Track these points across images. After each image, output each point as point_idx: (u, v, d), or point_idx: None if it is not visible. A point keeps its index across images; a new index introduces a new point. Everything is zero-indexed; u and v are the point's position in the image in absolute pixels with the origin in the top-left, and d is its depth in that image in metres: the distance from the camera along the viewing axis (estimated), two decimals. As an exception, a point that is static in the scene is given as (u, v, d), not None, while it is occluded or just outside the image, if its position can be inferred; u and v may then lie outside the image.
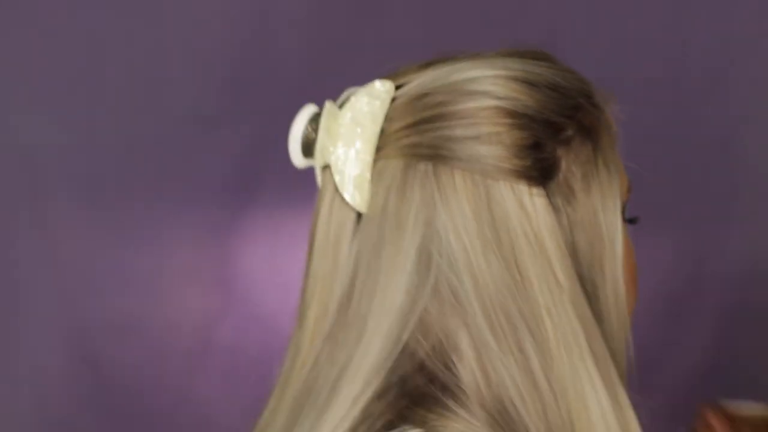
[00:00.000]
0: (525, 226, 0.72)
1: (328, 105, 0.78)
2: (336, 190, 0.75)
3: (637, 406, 0.78)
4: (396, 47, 2.19)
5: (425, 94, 0.75)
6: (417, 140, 0.73)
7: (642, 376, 2.14)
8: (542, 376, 0.70)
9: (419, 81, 0.77)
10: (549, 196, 0.74)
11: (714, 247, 2.12)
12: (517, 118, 0.73)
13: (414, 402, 0.71)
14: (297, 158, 0.77)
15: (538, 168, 0.73)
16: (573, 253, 0.74)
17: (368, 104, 0.75)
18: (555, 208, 0.74)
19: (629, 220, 0.85)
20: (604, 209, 0.77)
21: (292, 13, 2.02)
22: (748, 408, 1.16)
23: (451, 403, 0.71)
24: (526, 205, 0.72)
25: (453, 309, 0.71)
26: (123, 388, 2.09)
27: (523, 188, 0.72)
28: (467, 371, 0.72)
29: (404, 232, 0.72)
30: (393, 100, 0.76)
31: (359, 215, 0.75)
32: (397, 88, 0.78)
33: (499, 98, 0.74)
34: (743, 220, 2.11)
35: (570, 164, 0.75)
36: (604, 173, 0.78)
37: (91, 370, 2.11)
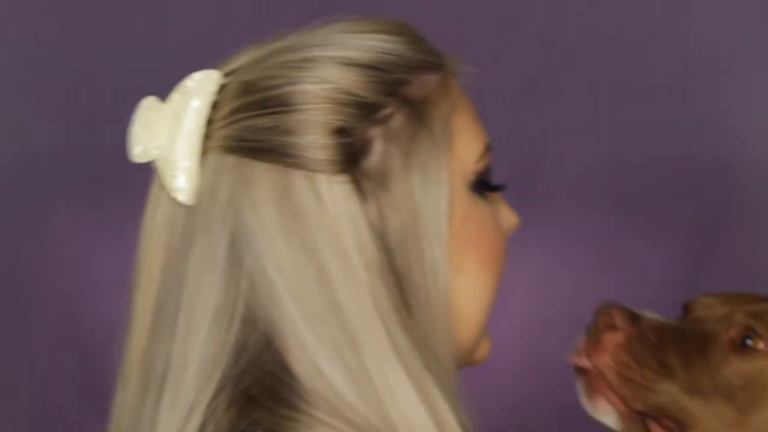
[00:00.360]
0: (321, 218, 0.70)
1: (147, 101, 0.77)
2: (162, 184, 0.75)
3: (463, 395, 0.76)
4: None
5: (245, 80, 0.74)
6: (228, 132, 0.72)
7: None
8: (358, 368, 0.69)
9: (247, 64, 0.75)
10: (356, 181, 0.71)
11: (714, 247, 2.12)
12: (327, 102, 0.71)
13: (255, 399, 0.70)
14: (134, 154, 0.77)
15: (343, 153, 0.71)
16: (381, 238, 0.71)
17: (190, 96, 0.74)
18: (361, 194, 0.71)
19: (494, 187, 0.79)
20: (424, 185, 0.72)
21: (292, 14, 2.02)
22: (644, 311, 1.14)
23: (290, 397, 0.70)
24: (324, 196, 0.70)
25: (271, 304, 0.70)
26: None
27: (321, 177, 0.70)
28: (296, 362, 0.70)
29: (213, 229, 0.71)
30: (222, 87, 0.74)
31: (187, 208, 0.74)
32: (229, 74, 0.75)
33: (313, 82, 0.71)
34: (743, 221, 2.11)
35: (388, 143, 0.72)
36: (429, 146, 0.72)
37: (91, 370, 2.11)
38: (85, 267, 2.12)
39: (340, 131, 0.71)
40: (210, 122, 0.73)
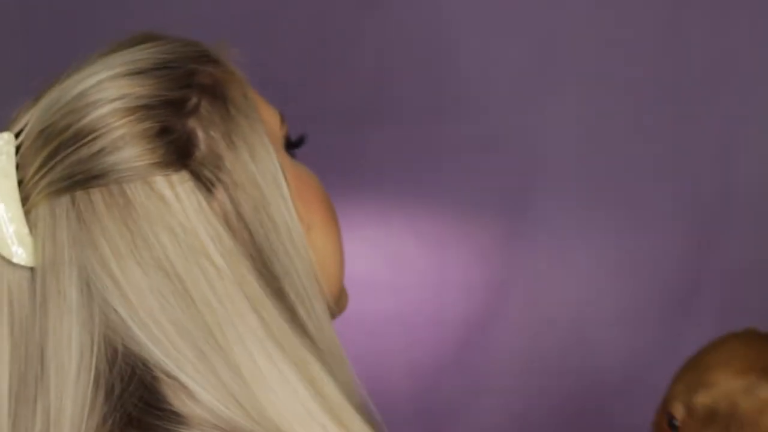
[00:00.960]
0: (168, 220, 0.69)
1: None
2: None
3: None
4: (396, 47, 2.19)
5: (42, 129, 0.73)
6: (51, 178, 0.71)
7: (643, 376, 2.14)
8: (229, 374, 0.69)
9: (35, 117, 0.74)
10: (195, 174, 0.71)
11: (714, 247, 2.12)
12: (134, 112, 0.71)
13: (135, 420, 0.70)
14: None
15: (174, 151, 0.71)
16: (238, 220, 0.72)
17: None
18: (205, 185, 0.71)
19: (294, 144, 0.81)
20: (254, 157, 0.73)
21: (292, 15, 2.02)
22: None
23: (166, 423, 0.69)
24: (168, 198, 0.70)
25: (128, 334, 0.69)
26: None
27: (160, 180, 0.70)
28: (166, 389, 0.70)
29: (62, 274, 0.70)
30: (18, 148, 0.73)
31: (30, 270, 0.72)
32: (18, 134, 0.74)
33: (110, 101, 0.71)
34: (743, 221, 2.11)
35: (207, 130, 0.72)
36: (243, 122, 0.74)
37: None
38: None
39: (161, 132, 0.71)
40: (21, 183, 0.72)
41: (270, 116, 0.78)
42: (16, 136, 0.74)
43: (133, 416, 0.70)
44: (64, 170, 0.71)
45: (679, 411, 1.12)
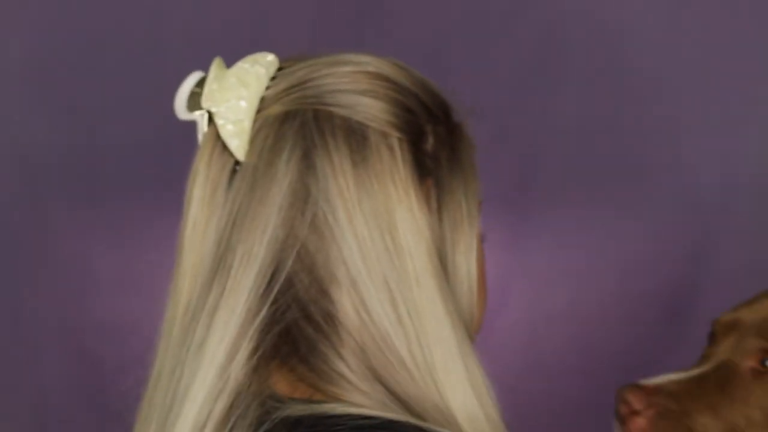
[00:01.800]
0: (393, 171, 0.75)
1: (217, 62, 0.82)
2: (217, 138, 0.78)
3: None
4: (396, 48, 2.19)
5: (304, 73, 0.79)
6: (300, 94, 0.77)
7: (643, 376, 2.14)
8: (407, 315, 0.73)
9: (301, 67, 0.80)
10: (418, 155, 0.77)
11: (714, 247, 2.12)
12: (393, 83, 0.78)
13: (292, 346, 0.74)
14: (181, 111, 0.81)
15: (408, 126, 0.77)
16: (434, 213, 0.78)
17: (253, 68, 0.79)
18: (423, 168, 0.77)
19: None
20: (466, 193, 0.80)
21: (293, 14, 2.02)
22: (660, 379, 1.15)
23: (326, 347, 0.73)
24: (396, 153, 0.75)
25: (331, 244, 0.73)
26: (123, 388, 2.09)
27: (393, 136, 0.76)
28: (346, 302, 0.73)
29: (277, 167, 0.75)
30: (278, 70, 0.80)
31: (236, 164, 0.78)
32: (281, 69, 0.81)
33: (378, 67, 0.79)
34: (743, 221, 2.11)
35: (437, 143, 0.79)
36: (467, 165, 0.81)
37: (91, 370, 2.11)
38: (84, 266, 2.12)
39: (406, 109, 0.78)
40: (266, 95, 0.78)
41: (477, 183, 0.84)
42: (280, 69, 0.80)
43: (290, 322, 0.74)
44: (315, 90, 0.78)
45: None
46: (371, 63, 0.79)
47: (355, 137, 0.75)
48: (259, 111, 0.77)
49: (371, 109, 0.76)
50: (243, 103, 0.77)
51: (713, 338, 1.16)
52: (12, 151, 2.09)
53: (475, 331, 0.84)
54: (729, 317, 1.14)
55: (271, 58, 0.80)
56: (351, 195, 0.73)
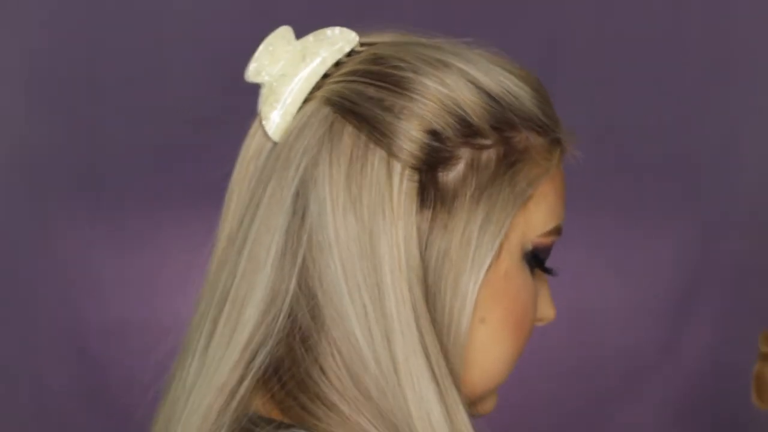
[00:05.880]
0: (385, 201, 0.71)
1: (283, 29, 0.79)
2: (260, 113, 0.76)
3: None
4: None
5: (380, 54, 0.75)
6: (337, 87, 0.74)
7: (643, 376, 2.14)
8: (386, 355, 0.70)
9: (386, 44, 0.77)
10: (423, 186, 0.72)
11: (714, 247, 2.12)
12: (434, 102, 0.72)
13: (276, 368, 0.72)
14: (248, 71, 0.78)
15: (426, 155, 0.72)
16: (421, 249, 0.72)
17: (323, 45, 0.77)
18: (422, 200, 0.72)
19: (545, 269, 0.80)
20: (484, 227, 0.73)
21: (293, 13, 2.02)
22: None
23: (306, 371, 0.71)
24: (394, 182, 0.71)
25: (321, 257, 0.72)
26: (123, 388, 2.10)
27: (397, 165, 0.71)
28: (331, 332, 0.72)
29: (289, 170, 0.73)
30: (352, 52, 0.77)
31: (273, 144, 0.76)
32: (364, 45, 0.77)
33: (431, 80, 0.73)
34: (743, 221, 2.11)
35: (469, 170, 0.73)
36: (504, 195, 0.74)
37: (91, 370, 2.11)
38: (84, 266, 2.12)
39: (434, 134, 0.72)
40: (326, 76, 0.75)
41: (542, 217, 0.76)
42: (362, 45, 0.77)
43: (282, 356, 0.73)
44: (347, 89, 0.73)
45: None
46: (432, 73, 0.73)
47: (357, 151, 0.72)
48: (313, 90, 0.75)
49: (383, 127, 0.72)
50: (293, 83, 0.75)
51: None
52: (13, 152, 2.10)
53: (472, 394, 0.77)
54: None
55: (352, 37, 0.77)
56: (337, 211, 0.71)
